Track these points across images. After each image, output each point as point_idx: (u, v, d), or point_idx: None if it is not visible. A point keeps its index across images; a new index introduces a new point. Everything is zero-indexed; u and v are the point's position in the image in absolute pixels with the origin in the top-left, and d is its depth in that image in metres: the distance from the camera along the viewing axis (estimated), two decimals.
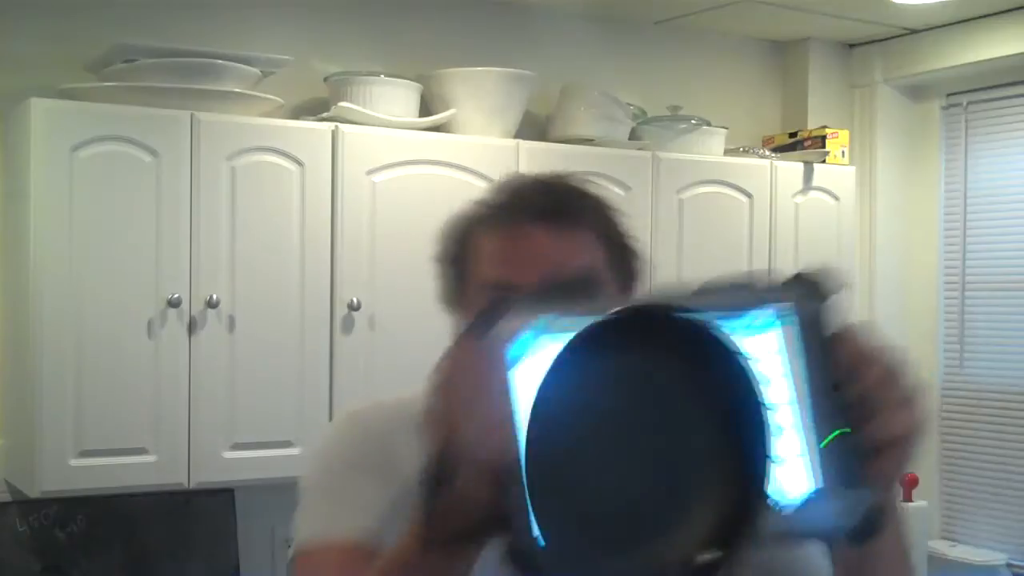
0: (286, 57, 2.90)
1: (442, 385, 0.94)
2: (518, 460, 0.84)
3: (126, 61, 2.71)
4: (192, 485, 2.70)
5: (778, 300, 0.91)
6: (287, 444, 2.77)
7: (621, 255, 1.26)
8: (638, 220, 3.23)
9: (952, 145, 3.93)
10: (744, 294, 0.91)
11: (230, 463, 2.72)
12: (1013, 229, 3.75)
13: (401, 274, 2.88)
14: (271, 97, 2.81)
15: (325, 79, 3.04)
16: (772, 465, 0.84)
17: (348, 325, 2.82)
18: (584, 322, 0.84)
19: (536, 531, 0.84)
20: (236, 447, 2.72)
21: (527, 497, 0.84)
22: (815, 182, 3.58)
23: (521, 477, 0.84)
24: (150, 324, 2.62)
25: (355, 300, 2.81)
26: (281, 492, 3.07)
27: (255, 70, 2.81)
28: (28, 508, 2.75)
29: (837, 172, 3.64)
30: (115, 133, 2.60)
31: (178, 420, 2.65)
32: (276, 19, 3.13)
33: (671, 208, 3.30)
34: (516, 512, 0.85)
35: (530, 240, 1.22)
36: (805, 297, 0.92)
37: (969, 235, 3.87)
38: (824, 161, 3.62)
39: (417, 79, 3.06)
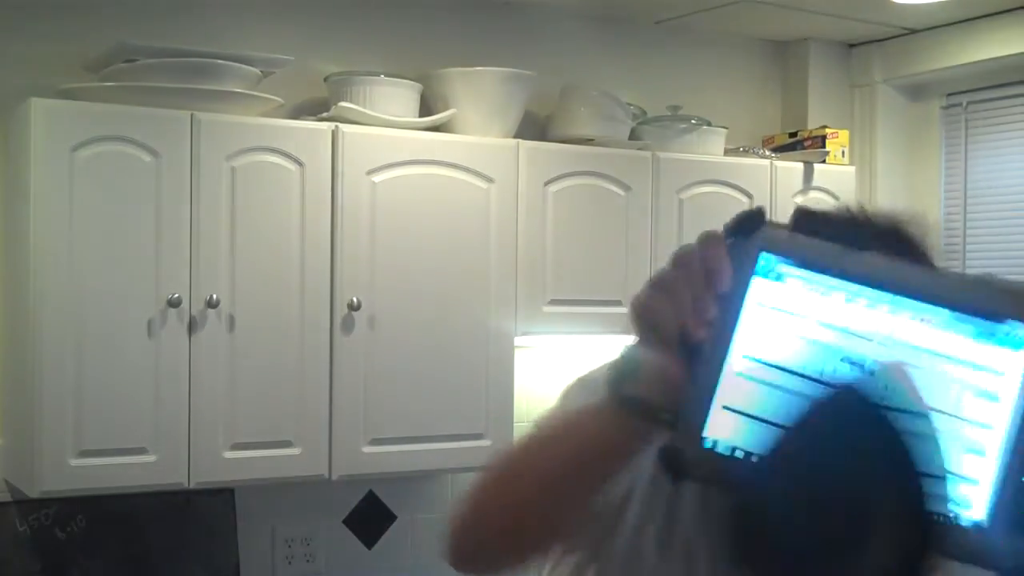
0: (286, 57, 2.90)
1: (681, 263, 0.90)
2: (718, 364, 0.83)
3: (126, 61, 2.71)
4: (192, 485, 2.70)
5: None
6: (287, 444, 2.77)
7: None
8: (638, 220, 3.24)
9: (952, 145, 3.93)
10: (1006, 304, 0.84)
11: (230, 463, 2.71)
12: (1013, 229, 3.75)
13: (401, 274, 2.88)
14: (271, 97, 2.81)
15: (325, 79, 3.04)
16: (950, 482, 0.82)
17: (348, 325, 2.82)
18: (840, 269, 0.82)
19: (702, 440, 0.84)
20: (236, 447, 2.72)
21: (709, 406, 0.83)
22: (815, 182, 3.57)
23: (712, 384, 0.83)
24: (150, 324, 2.62)
25: (355, 300, 2.81)
26: (281, 492, 3.10)
27: (255, 70, 2.81)
28: (28, 508, 2.75)
29: (837, 172, 3.64)
30: (115, 133, 2.59)
31: (178, 420, 2.65)
32: (276, 19, 3.13)
33: (671, 208, 3.30)
34: (692, 413, 0.84)
35: None
36: None
37: (969, 235, 3.87)
38: (824, 161, 3.62)
39: (417, 79, 3.06)
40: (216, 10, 3.04)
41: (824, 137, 3.64)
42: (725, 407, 0.85)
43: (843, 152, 3.68)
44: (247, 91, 2.77)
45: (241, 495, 3.01)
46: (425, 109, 3.09)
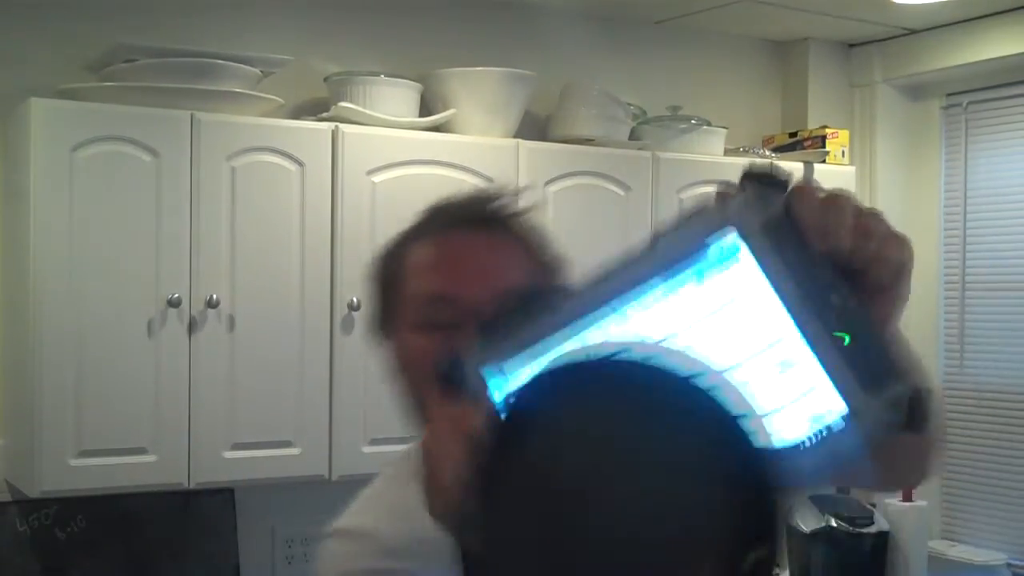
0: (286, 57, 2.90)
1: (437, 453, 0.90)
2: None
3: (126, 61, 2.71)
4: (192, 485, 2.70)
5: (733, 215, 0.80)
6: (287, 444, 2.77)
7: (545, 268, 1.24)
8: (638, 220, 3.24)
9: (952, 145, 3.93)
10: (695, 228, 0.80)
11: (230, 463, 2.72)
12: (1013, 229, 3.75)
13: None
14: (271, 97, 2.81)
15: (325, 79, 3.04)
16: (763, 419, 0.76)
17: (348, 325, 2.82)
18: (542, 348, 0.81)
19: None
20: (236, 447, 2.72)
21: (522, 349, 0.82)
22: (815, 182, 3.57)
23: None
24: (150, 324, 2.62)
25: (355, 300, 2.81)
26: (281, 492, 3.09)
27: (255, 70, 2.81)
28: (28, 508, 2.75)
29: (837, 172, 3.64)
30: (115, 133, 2.60)
31: (178, 420, 2.65)
32: (276, 19, 3.13)
33: (671, 208, 3.29)
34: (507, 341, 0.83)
35: (463, 248, 1.21)
36: (760, 198, 0.81)
37: (969, 235, 3.87)
38: (824, 161, 3.62)
39: (417, 79, 3.06)
40: (216, 10, 3.04)
41: (824, 137, 3.65)
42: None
43: (843, 152, 3.68)
44: (247, 91, 2.77)
45: (241, 495, 3.01)
46: (425, 109, 3.09)
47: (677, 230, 0.82)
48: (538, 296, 0.85)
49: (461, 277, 1.19)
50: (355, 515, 1.32)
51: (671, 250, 0.81)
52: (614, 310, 0.82)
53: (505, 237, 1.23)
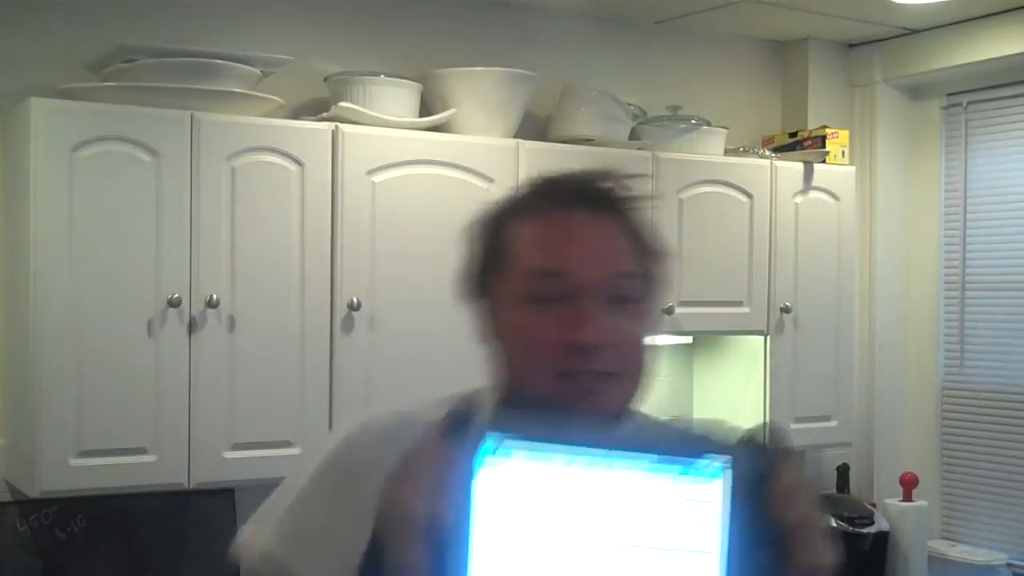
0: (286, 57, 2.90)
1: (405, 475, 0.97)
2: (463, 552, 0.93)
3: (126, 61, 2.71)
4: (192, 485, 2.70)
5: (728, 452, 0.98)
6: (287, 444, 2.77)
7: (650, 255, 1.27)
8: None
9: (952, 145, 3.93)
10: (697, 443, 0.98)
11: (230, 463, 2.71)
12: (1013, 229, 3.75)
13: (401, 274, 2.88)
14: (271, 97, 2.81)
15: (325, 79, 3.04)
16: None
17: (348, 325, 2.82)
18: (548, 448, 0.95)
19: None
20: (236, 447, 2.72)
21: None
22: (815, 182, 3.58)
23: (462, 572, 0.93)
24: (150, 324, 2.62)
25: (355, 300, 2.81)
26: None
27: (255, 70, 2.81)
28: (28, 508, 2.75)
29: (837, 172, 3.64)
30: (115, 133, 2.60)
31: (178, 420, 2.65)
32: (276, 19, 3.13)
33: (671, 208, 3.30)
34: None
35: (580, 225, 1.23)
36: (751, 455, 0.98)
37: (969, 235, 3.87)
38: (824, 161, 3.62)
39: (417, 79, 3.06)
40: (216, 10, 3.04)
41: (824, 137, 3.64)
42: None
43: (843, 152, 3.68)
44: (247, 91, 2.77)
45: (241, 495, 3.01)
46: (425, 109, 3.09)
47: (692, 431, 1.00)
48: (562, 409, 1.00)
49: (573, 255, 1.20)
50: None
51: (678, 441, 0.99)
52: (606, 458, 0.96)
53: (618, 220, 1.25)
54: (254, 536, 1.34)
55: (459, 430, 0.96)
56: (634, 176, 1.30)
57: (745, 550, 0.96)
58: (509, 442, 0.96)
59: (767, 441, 0.99)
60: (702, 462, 0.96)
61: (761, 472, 0.98)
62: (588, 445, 0.96)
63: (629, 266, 1.22)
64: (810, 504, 1.01)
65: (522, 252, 1.23)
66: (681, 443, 0.98)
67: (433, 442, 0.97)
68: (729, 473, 0.96)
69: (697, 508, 0.96)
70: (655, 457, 0.96)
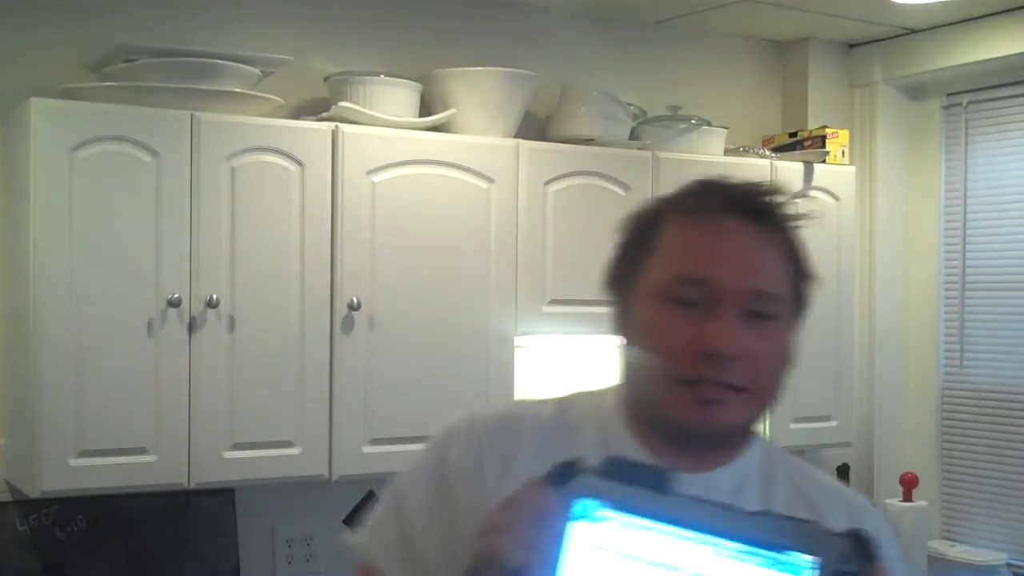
0: (286, 57, 2.90)
1: (506, 522, 0.98)
2: None
3: (126, 61, 2.71)
4: (192, 485, 2.70)
5: (819, 554, 0.95)
6: (287, 444, 2.77)
7: (801, 277, 1.26)
8: None
9: (952, 145, 3.93)
10: (791, 536, 0.96)
11: (230, 463, 2.71)
12: (1013, 229, 3.75)
13: (401, 274, 2.88)
14: (271, 97, 2.81)
15: (325, 79, 3.04)
16: None
17: (348, 325, 2.82)
18: (654, 511, 0.96)
19: None
20: (236, 447, 2.72)
21: None
22: (815, 182, 3.57)
23: None
24: (150, 324, 2.62)
25: (355, 300, 2.81)
26: (281, 492, 3.09)
27: (255, 70, 2.81)
28: (28, 508, 2.75)
29: (837, 172, 3.64)
30: (115, 133, 2.60)
31: (178, 420, 2.65)
32: (276, 19, 3.13)
33: None
34: None
35: (732, 235, 1.21)
36: (842, 560, 0.95)
37: (969, 235, 3.87)
38: (824, 161, 3.62)
39: (417, 79, 3.06)
40: (216, 10, 3.04)
41: (824, 137, 3.64)
42: None
43: (843, 152, 3.68)
44: (247, 91, 2.77)
45: (241, 495, 3.01)
46: (425, 109, 3.09)
47: (790, 522, 0.97)
48: (665, 478, 0.98)
49: (720, 263, 1.19)
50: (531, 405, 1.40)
51: (771, 531, 0.96)
52: (695, 539, 0.96)
53: (773, 236, 1.22)
54: (360, 537, 1.33)
55: (561, 484, 0.98)
56: (798, 194, 1.29)
57: None
58: (603, 511, 0.97)
59: (861, 549, 0.95)
60: (791, 557, 0.95)
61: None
62: (680, 523, 0.96)
63: (775, 284, 1.20)
64: None
65: (670, 253, 1.22)
66: (771, 534, 0.96)
67: (536, 492, 0.98)
68: (816, 574, 0.95)
69: None
70: (743, 546, 0.95)
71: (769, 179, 1.32)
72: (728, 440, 1.25)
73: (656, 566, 0.96)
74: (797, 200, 1.26)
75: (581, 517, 0.97)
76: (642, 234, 1.26)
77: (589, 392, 1.35)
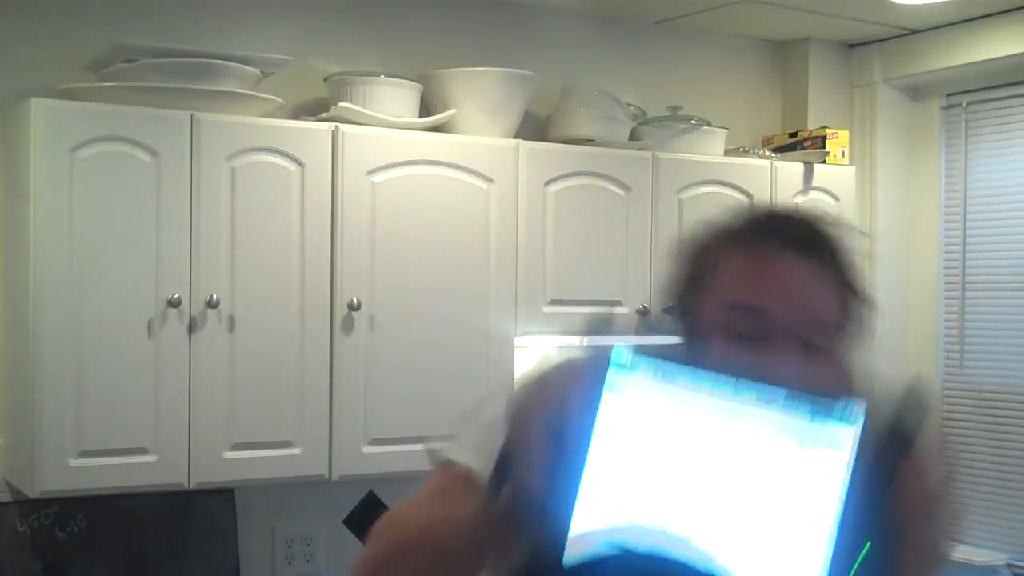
0: (286, 57, 2.90)
1: (533, 390, 1.00)
2: (566, 493, 0.92)
3: (126, 61, 2.71)
4: (192, 485, 2.70)
5: (874, 406, 0.91)
6: (287, 444, 2.77)
7: (855, 304, 1.25)
8: (638, 220, 3.24)
9: (952, 145, 3.93)
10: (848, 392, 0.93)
11: (230, 463, 2.71)
12: (1013, 229, 3.75)
13: (401, 274, 2.88)
14: (271, 97, 2.81)
15: (325, 79, 3.04)
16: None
17: (348, 325, 2.82)
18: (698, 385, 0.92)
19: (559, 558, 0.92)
20: (236, 447, 2.72)
21: (560, 531, 0.92)
22: (815, 182, 3.57)
23: (558, 512, 0.92)
24: (150, 324, 2.62)
25: (355, 300, 2.81)
26: (281, 492, 3.09)
27: (255, 70, 2.81)
28: (28, 508, 2.75)
29: (837, 172, 3.64)
30: (115, 133, 2.60)
31: (178, 420, 2.65)
32: (276, 19, 3.13)
33: (671, 208, 3.30)
34: (542, 537, 0.93)
35: (787, 265, 1.21)
36: (889, 415, 0.92)
37: (969, 235, 3.87)
38: (824, 161, 3.62)
39: (417, 79, 3.06)
40: (216, 10, 3.04)
41: (824, 137, 3.64)
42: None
43: (843, 152, 3.68)
44: (247, 91, 2.77)
45: (241, 495, 3.01)
46: (425, 109, 3.09)
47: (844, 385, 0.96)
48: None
49: (774, 295, 1.19)
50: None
51: (816, 386, 0.92)
52: (734, 388, 0.92)
53: (826, 264, 1.23)
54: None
55: (601, 337, 0.96)
56: (853, 228, 1.30)
57: (855, 524, 0.89)
58: (639, 358, 0.94)
59: (908, 403, 0.91)
60: (838, 404, 0.89)
61: (895, 439, 0.91)
62: (719, 371, 0.92)
63: (829, 315, 1.20)
64: (942, 494, 0.95)
65: (725, 283, 1.22)
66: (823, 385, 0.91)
67: (574, 361, 0.99)
68: (862, 425, 0.89)
69: (824, 457, 0.89)
70: (787, 393, 0.90)
71: (826, 212, 1.32)
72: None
73: (693, 421, 0.92)
74: (851, 232, 1.27)
75: (616, 365, 0.94)
76: (698, 262, 1.27)
77: None
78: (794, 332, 1.17)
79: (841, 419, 0.89)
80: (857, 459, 0.89)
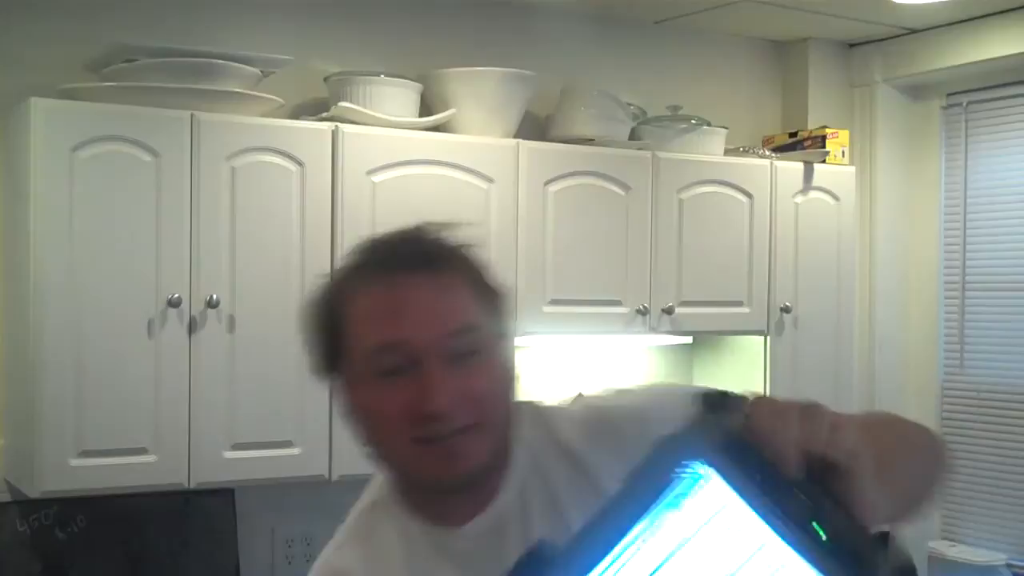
0: (286, 57, 2.90)
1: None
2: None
3: (126, 61, 2.71)
4: (192, 485, 2.70)
5: (690, 451, 0.84)
6: (287, 444, 2.77)
7: (489, 298, 1.26)
8: (638, 220, 3.24)
9: (952, 145, 3.93)
10: (663, 461, 0.84)
11: (230, 463, 2.71)
12: (1013, 229, 3.75)
13: None
14: (271, 97, 2.81)
15: (325, 79, 3.04)
16: None
17: None
18: None
19: None
20: (236, 447, 2.72)
21: None
22: (815, 182, 3.58)
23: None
24: (150, 324, 2.62)
25: None
26: (281, 492, 3.09)
27: (255, 70, 2.81)
28: (28, 508, 2.75)
29: (837, 172, 3.64)
30: (115, 133, 2.60)
31: (178, 420, 2.65)
32: (276, 19, 3.13)
33: (671, 208, 3.30)
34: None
35: (406, 291, 1.20)
36: (716, 423, 0.87)
37: (969, 235, 3.87)
38: (824, 161, 3.62)
39: (417, 79, 3.06)
40: (216, 10, 3.04)
41: (824, 137, 3.64)
42: None
43: (843, 152, 3.68)
44: (247, 91, 2.77)
45: (241, 495, 3.01)
46: (425, 109, 3.09)
47: (647, 465, 0.85)
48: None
49: (406, 323, 1.18)
50: (339, 552, 1.44)
51: (646, 488, 0.84)
52: (614, 558, 0.84)
53: (444, 275, 1.22)
54: None
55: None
56: (451, 225, 1.30)
57: (789, 507, 0.82)
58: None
59: (717, 403, 0.87)
60: (679, 480, 0.83)
61: (734, 430, 0.85)
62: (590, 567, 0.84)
63: (464, 320, 1.20)
64: (794, 415, 0.88)
65: (356, 330, 1.21)
66: (655, 472, 0.84)
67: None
68: (709, 462, 0.82)
69: (721, 518, 0.83)
70: (645, 516, 0.83)
71: (449, 222, 1.31)
72: (491, 470, 1.23)
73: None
74: (453, 230, 1.28)
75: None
76: (327, 318, 1.24)
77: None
78: (438, 350, 1.17)
79: (694, 485, 0.83)
80: (734, 482, 0.83)
